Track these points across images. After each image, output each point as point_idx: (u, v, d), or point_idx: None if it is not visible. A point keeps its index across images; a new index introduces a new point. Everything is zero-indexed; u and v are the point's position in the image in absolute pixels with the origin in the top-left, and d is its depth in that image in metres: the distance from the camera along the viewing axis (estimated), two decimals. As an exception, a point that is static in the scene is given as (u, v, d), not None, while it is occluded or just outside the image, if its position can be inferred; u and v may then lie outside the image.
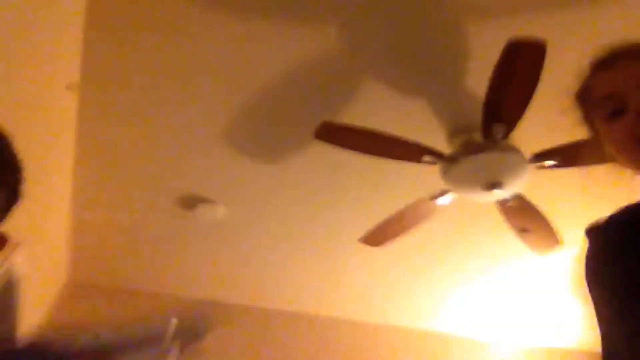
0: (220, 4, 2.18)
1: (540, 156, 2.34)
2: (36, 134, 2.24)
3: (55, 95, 2.34)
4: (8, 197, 0.83)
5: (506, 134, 2.24)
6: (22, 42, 1.84)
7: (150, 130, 2.74)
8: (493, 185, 2.36)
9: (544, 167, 2.37)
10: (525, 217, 2.60)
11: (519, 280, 3.58)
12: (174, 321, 2.67)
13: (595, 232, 0.89)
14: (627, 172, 0.94)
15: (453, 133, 2.58)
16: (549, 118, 2.23)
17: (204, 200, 3.15)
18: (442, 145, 2.56)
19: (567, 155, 2.27)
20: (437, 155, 2.41)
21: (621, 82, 0.92)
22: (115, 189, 3.11)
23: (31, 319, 3.23)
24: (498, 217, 2.62)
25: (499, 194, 2.41)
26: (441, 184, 2.51)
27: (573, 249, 3.00)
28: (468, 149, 2.40)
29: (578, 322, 3.81)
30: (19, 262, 2.59)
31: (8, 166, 0.83)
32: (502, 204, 2.53)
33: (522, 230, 2.69)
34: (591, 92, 0.98)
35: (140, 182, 3.06)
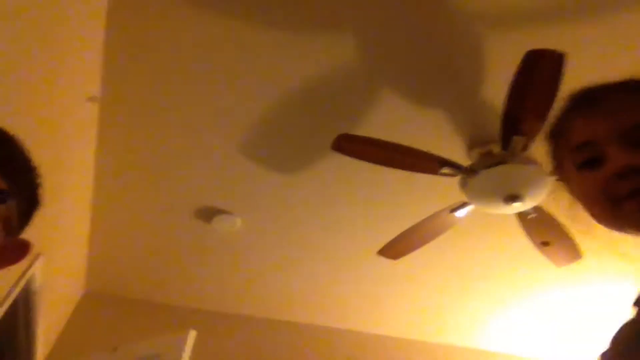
0: (238, 16, 2.20)
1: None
2: (58, 146, 2.28)
3: (77, 107, 2.37)
4: (28, 203, 0.83)
5: (526, 146, 2.22)
6: (45, 56, 1.87)
7: (169, 143, 2.76)
8: (512, 197, 2.33)
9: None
10: (545, 230, 2.56)
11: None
12: (192, 333, 2.68)
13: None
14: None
15: (472, 145, 2.56)
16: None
17: (221, 212, 3.16)
18: (461, 157, 2.54)
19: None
20: (455, 167, 2.39)
21: (602, 132, 0.81)
22: (134, 200, 3.14)
23: (50, 329, 3.26)
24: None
25: (519, 206, 2.39)
26: (460, 196, 2.48)
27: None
28: (487, 161, 2.38)
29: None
30: (39, 272, 2.62)
31: (25, 171, 0.83)
32: (522, 217, 2.50)
33: (543, 244, 2.65)
34: (567, 133, 0.88)
35: (158, 194, 3.09)
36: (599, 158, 0.80)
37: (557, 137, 0.92)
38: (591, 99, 0.87)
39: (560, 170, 0.92)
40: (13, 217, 0.78)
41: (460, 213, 2.56)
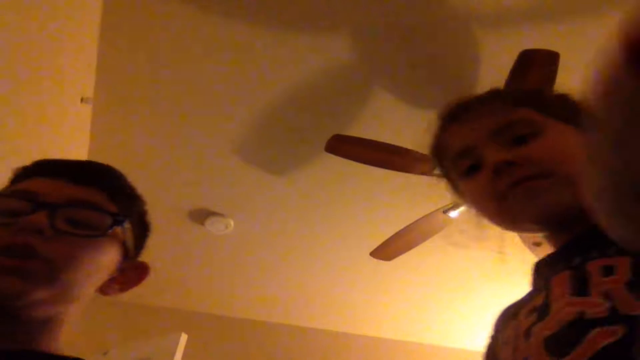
0: (230, 16, 2.19)
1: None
2: (50, 146, 2.26)
3: (70, 109, 2.36)
4: (140, 227, 0.90)
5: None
6: (40, 57, 1.86)
7: (161, 144, 2.75)
8: (505, 198, 2.34)
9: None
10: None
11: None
12: (184, 336, 2.66)
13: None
14: None
15: (464, 146, 2.57)
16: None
17: (214, 214, 3.15)
18: (454, 158, 2.54)
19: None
20: (448, 168, 2.40)
21: (472, 134, 0.84)
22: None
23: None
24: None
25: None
26: (453, 197, 2.49)
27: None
28: (480, 162, 2.39)
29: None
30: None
31: (133, 198, 0.90)
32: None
33: (535, 244, 2.66)
34: (445, 149, 0.92)
35: (151, 195, 3.06)
36: (477, 162, 0.83)
37: (438, 155, 0.96)
38: (459, 110, 0.91)
39: (455, 190, 0.96)
40: (129, 241, 0.85)
41: (454, 214, 2.57)
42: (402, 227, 2.66)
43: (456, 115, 0.91)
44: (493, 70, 2.27)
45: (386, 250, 2.81)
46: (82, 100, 2.34)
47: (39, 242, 0.71)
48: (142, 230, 0.91)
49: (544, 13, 2.11)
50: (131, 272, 0.89)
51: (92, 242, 0.77)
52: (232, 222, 3.19)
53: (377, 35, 2.22)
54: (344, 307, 3.84)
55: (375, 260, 2.86)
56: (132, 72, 2.43)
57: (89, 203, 0.79)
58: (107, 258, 0.81)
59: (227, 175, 2.90)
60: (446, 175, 0.97)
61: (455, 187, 0.95)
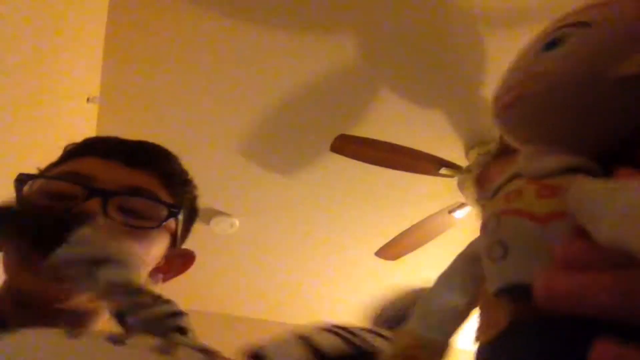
0: (237, 17, 2.19)
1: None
2: (56, 146, 2.27)
3: (77, 108, 2.37)
4: (189, 214, 0.85)
5: (524, 147, 2.22)
6: (45, 56, 1.87)
7: (167, 144, 2.75)
8: (511, 198, 2.33)
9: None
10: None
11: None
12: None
13: None
14: None
15: (471, 145, 2.56)
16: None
17: (219, 214, 3.16)
18: (460, 158, 2.54)
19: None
20: (454, 168, 2.39)
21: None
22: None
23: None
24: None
25: (517, 207, 2.39)
26: (459, 197, 2.48)
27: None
28: (486, 162, 2.38)
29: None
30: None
31: (186, 184, 0.87)
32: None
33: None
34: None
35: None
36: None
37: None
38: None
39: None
40: (178, 230, 0.80)
41: (459, 214, 2.56)
42: (407, 227, 2.66)
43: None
44: (499, 70, 2.25)
45: (391, 250, 2.81)
46: (88, 100, 2.34)
47: None
48: (191, 217, 0.88)
49: (550, 11, 2.10)
50: (177, 260, 0.85)
51: (144, 234, 0.74)
52: (237, 222, 3.19)
53: (383, 35, 2.21)
54: (350, 307, 3.84)
55: (381, 260, 2.86)
56: (138, 72, 2.43)
57: (144, 191, 0.76)
58: (158, 249, 0.77)
59: (232, 174, 2.90)
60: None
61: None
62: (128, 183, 0.75)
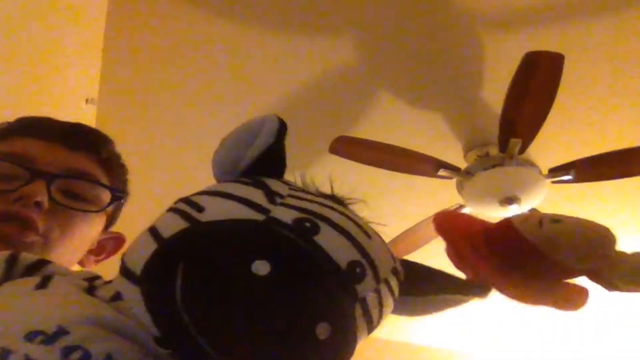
0: (236, 18, 2.20)
1: (556, 171, 2.32)
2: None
3: (75, 109, 2.37)
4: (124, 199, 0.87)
5: (523, 148, 2.23)
6: (44, 58, 1.87)
7: (167, 145, 2.76)
8: (509, 200, 2.33)
9: (560, 182, 2.34)
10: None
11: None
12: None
13: None
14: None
15: (469, 147, 2.56)
16: (566, 132, 2.21)
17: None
18: (458, 159, 2.54)
19: (583, 170, 2.25)
20: (453, 170, 2.39)
21: None
22: (132, 203, 3.12)
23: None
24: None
25: (515, 209, 2.39)
26: (457, 199, 2.49)
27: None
28: (484, 164, 2.39)
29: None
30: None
31: (120, 167, 0.88)
32: (519, 219, 2.51)
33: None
34: None
35: (155, 195, 3.08)
36: None
37: None
38: None
39: None
40: (115, 214, 0.84)
41: (458, 215, 2.56)
42: (406, 228, 2.66)
43: None
44: (497, 71, 2.26)
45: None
46: (87, 101, 2.34)
47: (39, 216, 0.68)
48: (124, 200, 0.88)
49: (548, 14, 2.10)
50: (109, 243, 0.86)
51: (86, 217, 0.75)
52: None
53: (382, 37, 2.21)
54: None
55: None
56: (137, 73, 2.44)
57: (87, 175, 0.76)
58: (95, 232, 0.78)
59: (232, 176, 2.90)
60: None
61: None
62: (71, 166, 0.75)
